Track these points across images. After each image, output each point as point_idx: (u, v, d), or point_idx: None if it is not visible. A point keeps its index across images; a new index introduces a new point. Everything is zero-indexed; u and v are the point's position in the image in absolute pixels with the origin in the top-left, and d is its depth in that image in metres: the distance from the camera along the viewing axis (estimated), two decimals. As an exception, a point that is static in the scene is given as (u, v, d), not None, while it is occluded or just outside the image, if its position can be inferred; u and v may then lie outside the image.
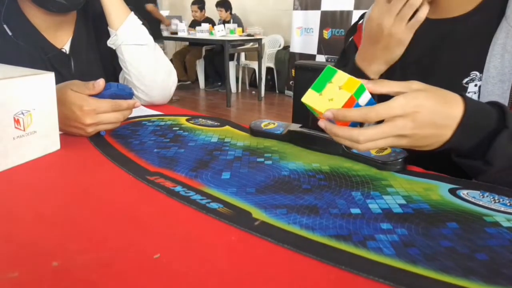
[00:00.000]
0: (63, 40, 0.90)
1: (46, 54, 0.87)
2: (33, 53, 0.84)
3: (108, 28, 0.87)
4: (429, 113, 0.45)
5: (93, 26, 0.95)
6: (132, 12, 0.89)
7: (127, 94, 0.69)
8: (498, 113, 0.48)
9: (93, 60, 0.94)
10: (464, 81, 0.64)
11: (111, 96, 0.66)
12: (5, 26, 0.81)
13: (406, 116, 0.45)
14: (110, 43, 0.88)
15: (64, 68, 0.88)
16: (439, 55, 0.68)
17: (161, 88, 0.92)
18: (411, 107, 0.45)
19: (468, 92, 0.63)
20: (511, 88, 0.58)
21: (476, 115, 0.47)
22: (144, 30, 0.90)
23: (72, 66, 0.90)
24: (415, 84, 0.48)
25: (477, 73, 0.63)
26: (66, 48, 0.90)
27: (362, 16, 0.85)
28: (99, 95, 0.65)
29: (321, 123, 0.49)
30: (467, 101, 0.47)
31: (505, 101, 0.58)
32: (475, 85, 0.63)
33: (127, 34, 0.86)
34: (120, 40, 0.86)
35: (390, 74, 0.72)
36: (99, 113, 0.64)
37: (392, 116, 0.46)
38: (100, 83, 0.65)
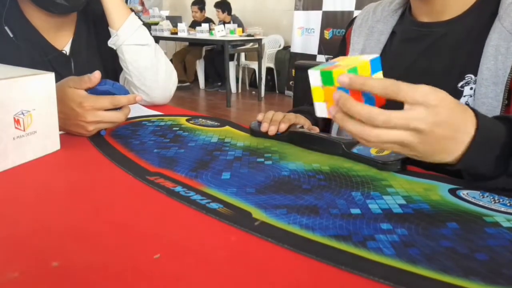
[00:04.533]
0: (63, 42, 0.90)
1: (47, 56, 0.87)
2: (34, 55, 0.84)
3: (109, 29, 0.88)
4: (448, 109, 0.41)
5: (94, 27, 0.95)
6: (133, 13, 0.89)
7: (123, 95, 0.68)
8: (507, 126, 0.45)
9: (93, 61, 0.94)
10: (459, 84, 0.63)
11: (104, 92, 0.66)
12: (6, 27, 0.81)
13: (428, 107, 0.40)
14: (110, 43, 0.88)
15: (64, 69, 0.88)
16: (434, 58, 0.67)
17: (161, 88, 0.92)
18: (434, 98, 0.41)
19: (464, 96, 0.62)
20: (504, 91, 0.57)
21: (489, 131, 0.44)
22: (145, 30, 0.90)
23: (72, 67, 0.90)
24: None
25: (472, 76, 0.62)
26: (67, 49, 0.90)
27: (350, 24, 0.84)
28: (92, 90, 0.65)
29: (335, 94, 0.43)
30: (479, 117, 0.44)
31: (498, 104, 0.57)
32: (471, 88, 0.62)
33: (127, 34, 0.86)
34: (120, 40, 0.86)
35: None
36: (99, 109, 0.64)
37: (413, 100, 0.41)
38: (96, 75, 0.64)
